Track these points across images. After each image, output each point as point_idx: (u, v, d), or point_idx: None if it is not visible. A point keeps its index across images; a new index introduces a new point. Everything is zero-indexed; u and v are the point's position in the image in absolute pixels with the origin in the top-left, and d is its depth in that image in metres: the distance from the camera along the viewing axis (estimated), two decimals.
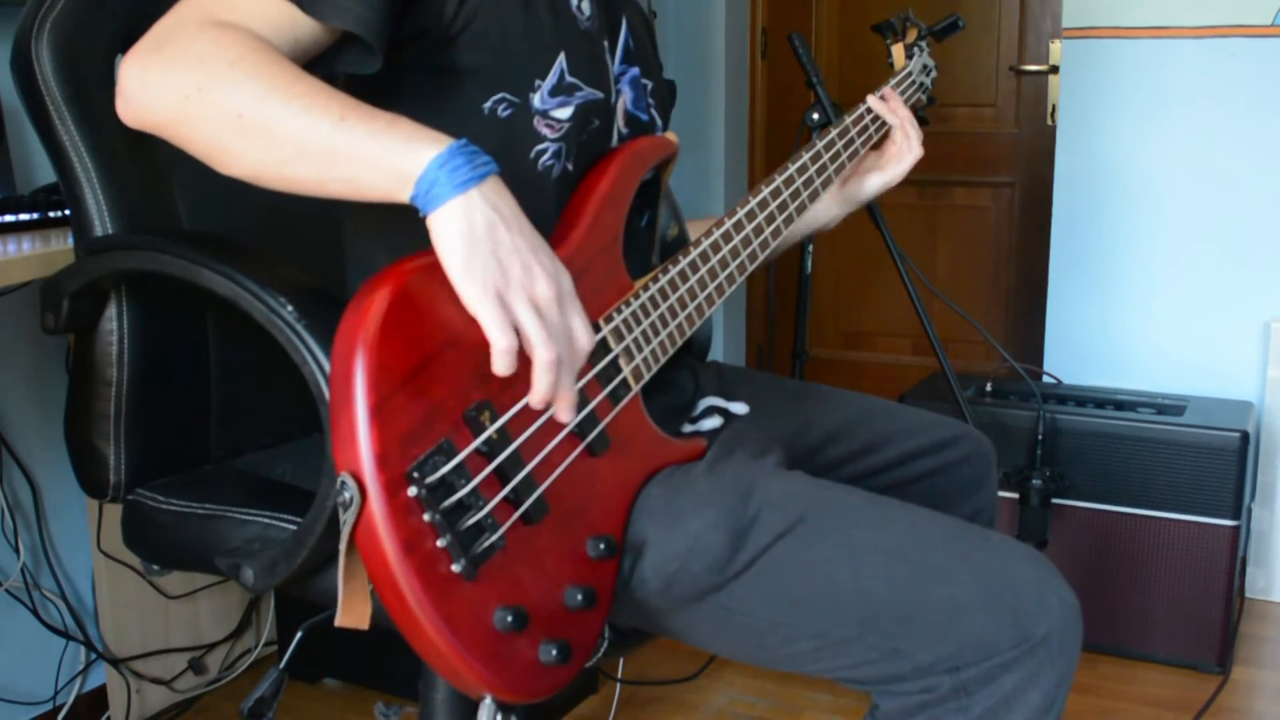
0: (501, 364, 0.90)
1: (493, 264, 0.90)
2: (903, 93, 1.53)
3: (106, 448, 1.23)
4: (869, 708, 1.09)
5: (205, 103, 0.92)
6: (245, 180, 0.96)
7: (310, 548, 1.04)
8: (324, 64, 1.04)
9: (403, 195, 0.91)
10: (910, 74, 1.57)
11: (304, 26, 0.99)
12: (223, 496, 1.21)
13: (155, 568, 1.28)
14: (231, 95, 0.91)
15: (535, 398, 0.91)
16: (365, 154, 0.91)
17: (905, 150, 1.46)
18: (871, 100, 1.46)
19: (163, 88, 0.94)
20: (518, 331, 0.90)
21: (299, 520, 1.10)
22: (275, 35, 0.98)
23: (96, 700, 2.06)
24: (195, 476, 1.29)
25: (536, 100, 1.10)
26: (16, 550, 1.92)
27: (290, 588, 1.11)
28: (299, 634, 1.28)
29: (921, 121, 1.50)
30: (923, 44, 1.63)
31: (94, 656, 2.04)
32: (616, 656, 1.22)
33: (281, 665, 1.24)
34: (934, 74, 1.64)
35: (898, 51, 1.61)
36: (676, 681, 2.25)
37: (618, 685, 2.19)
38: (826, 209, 1.48)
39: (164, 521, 1.22)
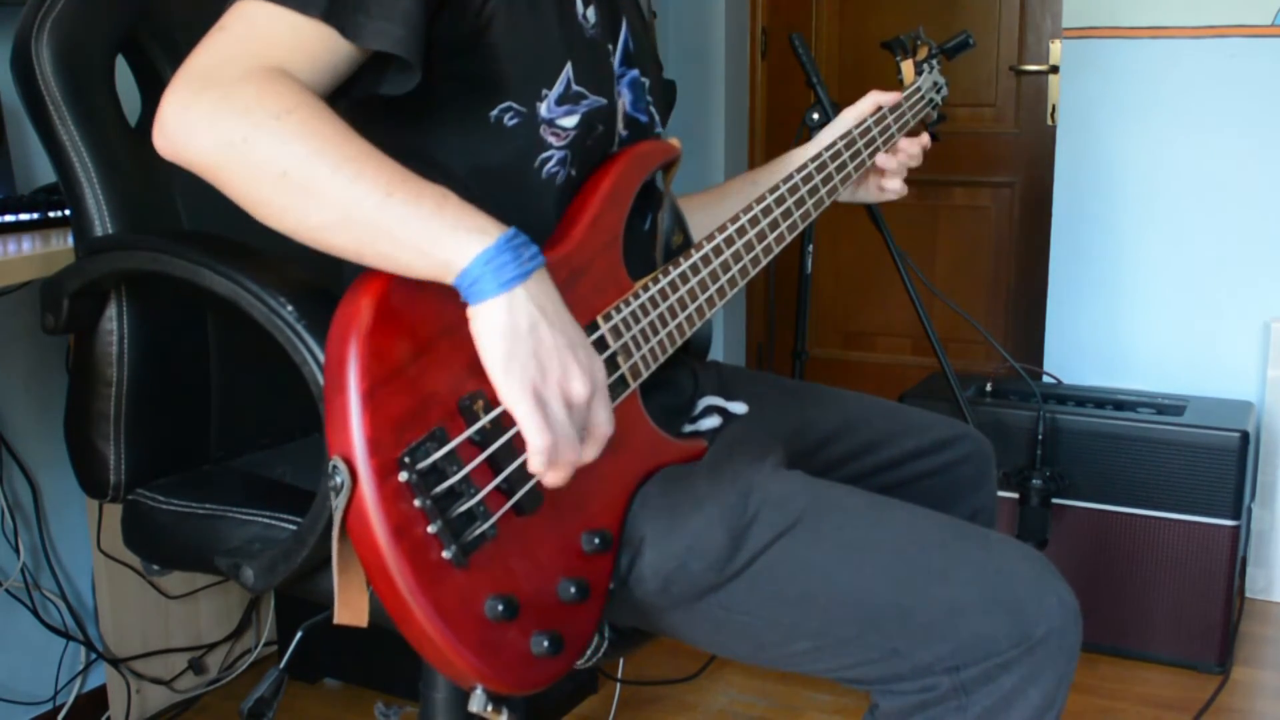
0: (538, 463, 0.90)
1: (533, 363, 0.89)
2: (910, 108, 1.53)
3: (106, 448, 1.23)
4: (869, 707, 1.09)
5: (250, 155, 0.89)
6: (283, 235, 0.93)
7: (310, 548, 1.04)
8: (360, 85, 1.01)
9: (444, 280, 0.90)
10: (920, 90, 1.56)
11: (343, 53, 0.96)
12: (223, 496, 1.21)
13: (155, 568, 1.28)
14: (278, 151, 0.88)
15: (534, 469, 0.92)
16: (409, 236, 0.89)
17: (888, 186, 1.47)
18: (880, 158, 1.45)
19: (207, 132, 0.90)
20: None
21: (299, 520, 1.10)
22: (316, 67, 0.95)
23: (96, 700, 2.06)
24: (195, 476, 1.29)
25: (543, 110, 1.09)
26: (16, 550, 1.92)
27: (290, 588, 1.11)
28: (299, 634, 1.28)
29: (934, 138, 1.50)
30: (933, 61, 1.62)
31: (94, 656, 2.04)
32: (616, 656, 1.22)
33: (281, 665, 1.24)
34: (945, 91, 1.63)
35: (907, 68, 1.59)
36: (676, 681, 2.25)
37: (618, 685, 2.19)
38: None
39: (164, 521, 1.22)
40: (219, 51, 0.94)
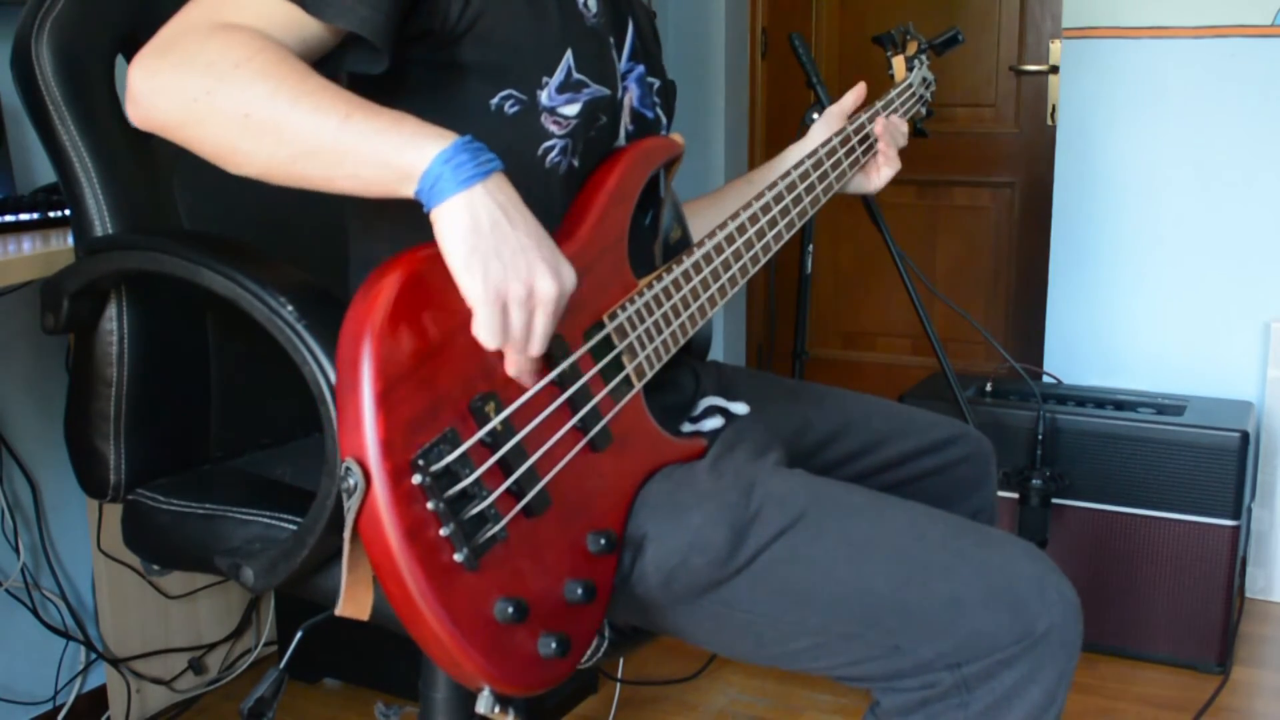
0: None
1: (495, 261, 0.90)
2: (903, 104, 1.54)
3: (106, 448, 1.23)
4: (870, 705, 1.09)
5: (213, 105, 0.93)
6: (256, 179, 0.96)
7: (310, 548, 1.04)
8: (331, 64, 1.04)
9: (407, 190, 0.91)
10: (910, 85, 1.57)
11: (310, 28, 0.99)
12: (223, 496, 1.21)
13: (155, 568, 1.28)
14: (239, 96, 0.92)
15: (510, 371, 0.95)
16: (370, 151, 0.91)
17: (884, 165, 1.45)
18: (876, 125, 1.45)
19: (171, 91, 0.94)
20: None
21: (299, 520, 1.10)
22: (282, 36, 0.98)
23: (96, 700, 2.06)
24: (195, 476, 1.29)
25: (544, 97, 1.10)
26: (16, 550, 1.92)
27: (290, 588, 1.11)
28: (299, 634, 1.28)
29: (920, 134, 1.50)
30: (923, 57, 1.64)
31: (94, 656, 2.04)
32: (616, 656, 1.22)
33: (281, 665, 1.24)
34: (933, 87, 1.65)
35: (898, 64, 1.61)
36: (676, 681, 2.25)
37: (618, 685, 2.19)
38: None
39: (164, 521, 1.22)
40: (186, 21, 0.98)
